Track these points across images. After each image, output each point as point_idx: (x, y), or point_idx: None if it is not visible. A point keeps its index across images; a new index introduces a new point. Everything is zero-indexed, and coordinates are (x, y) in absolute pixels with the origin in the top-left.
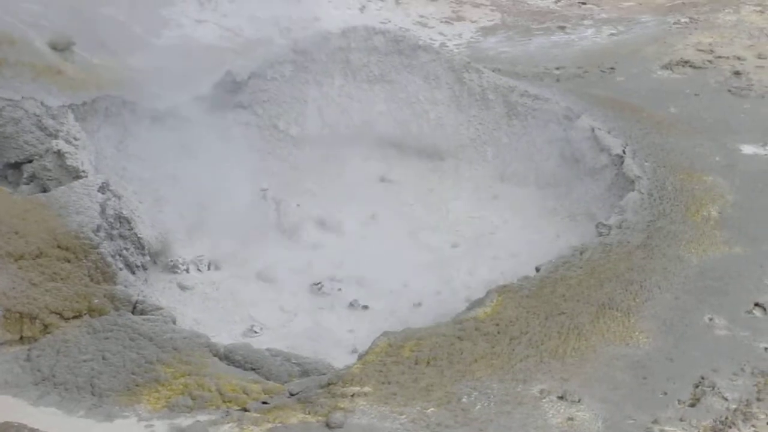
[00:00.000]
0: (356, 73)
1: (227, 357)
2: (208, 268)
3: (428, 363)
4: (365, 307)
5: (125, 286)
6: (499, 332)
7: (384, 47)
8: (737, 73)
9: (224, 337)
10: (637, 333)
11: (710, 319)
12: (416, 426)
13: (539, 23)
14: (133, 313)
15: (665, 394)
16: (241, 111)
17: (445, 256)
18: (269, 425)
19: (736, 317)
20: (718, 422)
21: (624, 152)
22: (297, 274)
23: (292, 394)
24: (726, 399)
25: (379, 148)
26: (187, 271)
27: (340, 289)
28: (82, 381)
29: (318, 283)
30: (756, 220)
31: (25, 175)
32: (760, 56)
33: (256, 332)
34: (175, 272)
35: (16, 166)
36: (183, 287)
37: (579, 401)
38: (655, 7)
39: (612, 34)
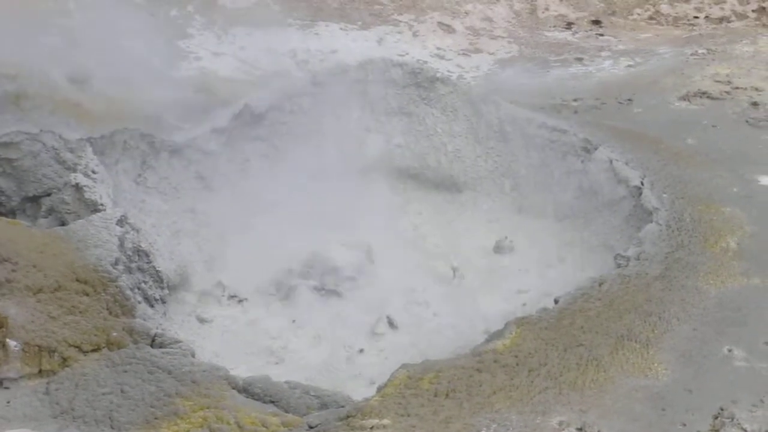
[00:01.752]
0: (374, 105)
1: (246, 390)
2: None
3: (447, 395)
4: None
5: (144, 320)
6: (517, 364)
7: (402, 79)
8: (755, 104)
9: (243, 369)
10: (656, 364)
11: (729, 351)
12: None
13: (557, 55)
14: (151, 346)
15: (684, 425)
16: (260, 143)
17: (464, 287)
18: None
19: (755, 348)
20: None
21: (642, 184)
22: (313, 306)
23: (311, 427)
24: (745, 430)
25: (396, 180)
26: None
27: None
28: (101, 414)
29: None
30: None
31: (44, 209)
32: None
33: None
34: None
35: (35, 199)
36: (202, 320)
37: None
38: (672, 39)
39: (629, 66)
